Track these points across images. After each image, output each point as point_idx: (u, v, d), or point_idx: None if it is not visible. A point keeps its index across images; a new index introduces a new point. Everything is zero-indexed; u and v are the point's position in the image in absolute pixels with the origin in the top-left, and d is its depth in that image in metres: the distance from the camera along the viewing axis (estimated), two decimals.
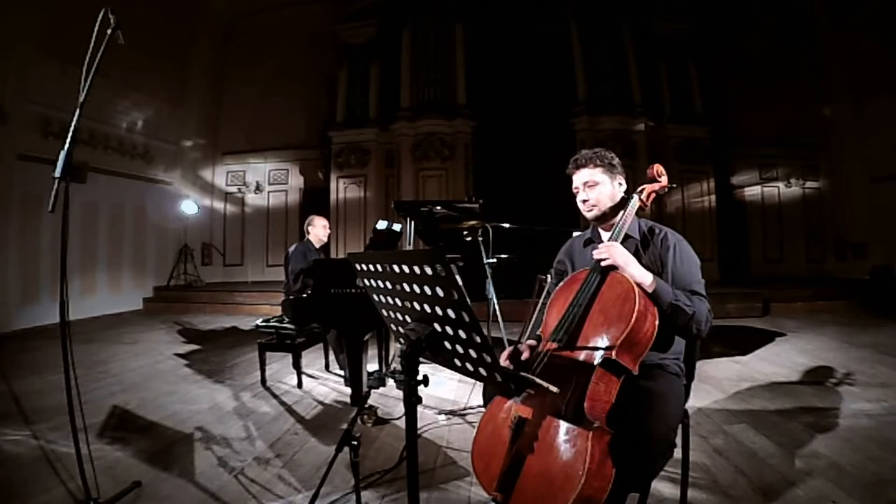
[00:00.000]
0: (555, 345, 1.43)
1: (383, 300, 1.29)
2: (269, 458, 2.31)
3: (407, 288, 1.15)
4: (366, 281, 1.30)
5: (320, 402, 3.17)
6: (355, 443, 1.45)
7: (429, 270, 1.05)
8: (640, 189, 1.66)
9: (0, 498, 1.95)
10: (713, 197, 8.52)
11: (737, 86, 9.02)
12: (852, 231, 8.65)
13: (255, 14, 9.67)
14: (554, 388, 1.21)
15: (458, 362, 1.17)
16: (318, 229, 3.80)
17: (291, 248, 3.75)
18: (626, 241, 1.59)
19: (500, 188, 7.49)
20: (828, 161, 9.12)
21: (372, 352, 3.50)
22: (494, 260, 3.47)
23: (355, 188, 8.89)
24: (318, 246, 3.80)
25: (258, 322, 3.67)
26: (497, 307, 3.50)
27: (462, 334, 1.09)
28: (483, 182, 8.28)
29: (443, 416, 2.82)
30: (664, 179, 1.69)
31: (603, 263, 1.49)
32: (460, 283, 1.02)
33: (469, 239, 3.50)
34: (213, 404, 3.13)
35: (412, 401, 1.13)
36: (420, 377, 1.14)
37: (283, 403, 3.15)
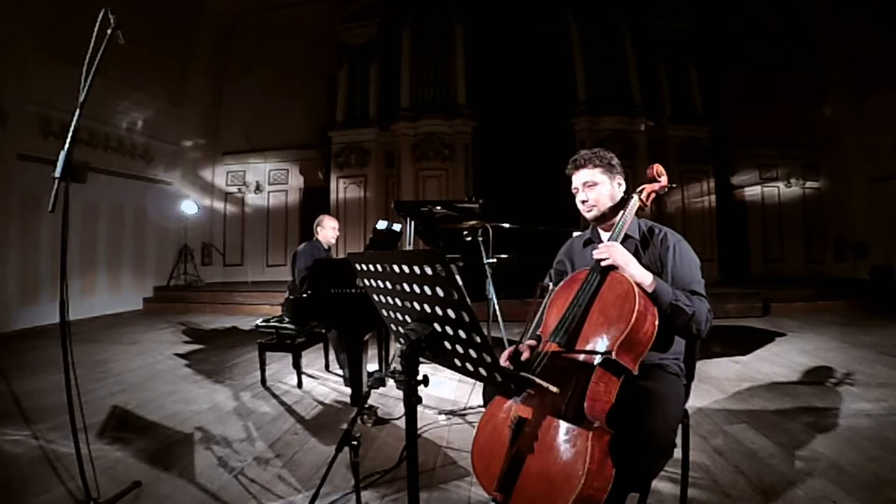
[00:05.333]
0: (555, 345, 1.43)
1: (383, 300, 1.29)
2: (269, 458, 2.31)
3: (407, 288, 1.15)
4: (366, 281, 1.30)
5: (320, 402, 3.17)
6: (355, 443, 1.45)
7: (429, 270, 1.04)
8: (639, 189, 1.65)
9: (0, 498, 1.95)
10: (713, 197, 8.52)
11: (737, 86, 9.02)
12: (852, 231, 8.65)
13: (255, 14, 9.68)
14: (554, 389, 1.22)
15: (458, 362, 1.17)
16: (328, 230, 3.77)
17: (300, 248, 3.72)
18: (626, 241, 1.59)
19: (500, 188, 7.50)
20: (828, 161, 9.12)
21: (372, 352, 3.50)
22: (494, 260, 3.47)
23: (355, 188, 8.89)
24: (326, 246, 3.79)
25: (258, 322, 3.66)
26: (497, 307, 3.49)
27: (462, 334, 1.09)
28: (483, 182, 8.29)
29: (443, 416, 2.82)
30: (664, 179, 1.68)
31: (603, 263, 1.49)
32: (460, 283, 1.02)
33: (469, 239, 3.49)
34: (213, 404, 3.13)
35: (412, 401, 1.13)
36: (420, 377, 1.14)
37: (283, 403, 3.15)
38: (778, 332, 5.24)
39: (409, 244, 3.63)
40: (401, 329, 1.26)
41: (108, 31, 1.78)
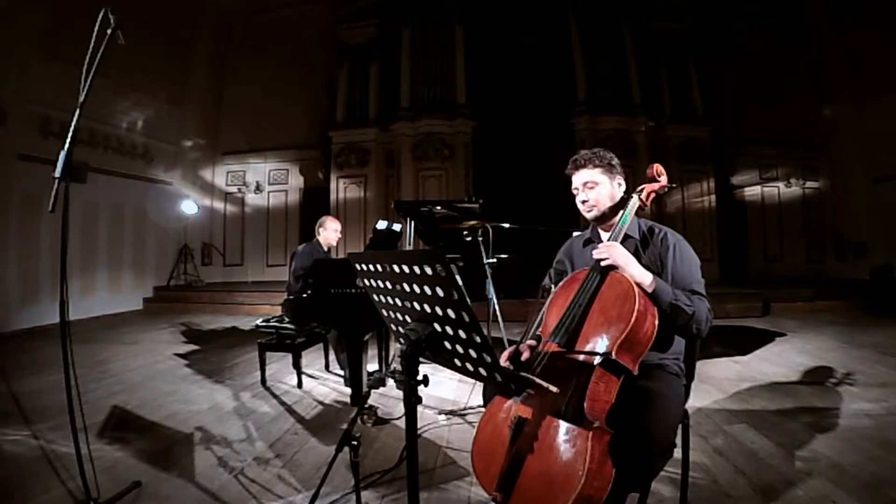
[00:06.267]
0: (555, 345, 1.43)
1: (383, 300, 1.29)
2: (269, 458, 2.31)
3: (407, 288, 1.15)
4: (366, 281, 1.30)
5: (320, 402, 3.17)
6: (355, 443, 1.45)
7: (429, 270, 1.04)
8: (639, 189, 1.65)
9: (0, 498, 1.95)
10: (713, 197, 8.52)
11: (737, 86, 9.03)
12: (852, 231, 8.65)
13: (256, 14, 9.68)
14: (554, 388, 1.21)
15: (458, 362, 1.17)
16: (329, 232, 3.74)
17: (299, 248, 3.72)
18: (626, 240, 1.59)
19: (500, 188, 7.49)
20: (828, 161, 9.13)
21: (372, 352, 3.50)
22: (494, 260, 3.46)
23: (355, 188, 8.89)
24: (326, 248, 3.79)
25: (258, 322, 3.66)
26: (497, 307, 3.49)
27: (462, 334, 1.09)
28: (483, 182, 8.29)
29: (443, 416, 2.82)
30: (664, 179, 1.68)
31: (603, 263, 1.49)
32: (460, 283, 1.02)
33: (469, 239, 3.49)
34: (213, 404, 3.13)
35: (412, 401, 1.13)
36: (420, 377, 1.14)
37: (283, 403, 3.15)
38: (778, 332, 5.24)
39: (409, 244, 3.63)
40: (401, 329, 1.26)
41: (108, 31, 1.78)
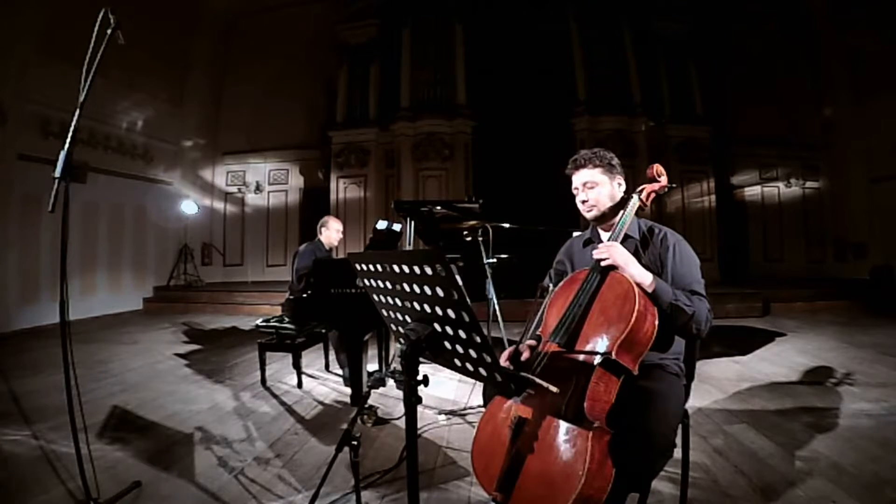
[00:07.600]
0: (555, 345, 1.43)
1: (383, 300, 1.29)
2: (269, 458, 2.31)
3: (407, 288, 1.15)
4: (366, 281, 1.30)
5: (320, 402, 3.17)
6: (355, 443, 1.45)
7: (429, 270, 1.04)
8: (639, 189, 1.65)
9: (0, 498, 1.95)
10: (713, 197, 8.52)
11: (737, 86, 9.04)
12: (852, 231, 8.66)
13: (256, 14, 9.68)
14: (554, 388, 1.21)
15: (458, 362, 1.17)
16: (332, 232, 3.75)
17: (301, 248, 3.72)
18: (626, 241, 1.59)
19: (500, 188, 7.49)
20: (828, 161, 9.13)
21: (372, 352, 3.50)
22: (494, 260, 3.47)
23: (355, 188, 8.89)
24: (328, 248, 3.79)
25: (258, 322, 3.66)
26: (497, 307, 3.49)
27: (462, 334, 1.09)
28: (483, 182, 8.29)
29: (443, 416, 2.82)
30: (664, 179, 1.68)
31: (603, 263, 1.49)
32: (460, 283, 1.02)
33: (469, 239, 3.49)
34: (213, 404, 3.13)
35: (412, 401, 1.13)
36: (420, 377, 1.14)
37: (283, 403, 3.15)
38: (778, 332, 5.24)
39: (409, 244, 3.63)
40: (401, 329, 1.26)
41: (108, 31, 1.78)
